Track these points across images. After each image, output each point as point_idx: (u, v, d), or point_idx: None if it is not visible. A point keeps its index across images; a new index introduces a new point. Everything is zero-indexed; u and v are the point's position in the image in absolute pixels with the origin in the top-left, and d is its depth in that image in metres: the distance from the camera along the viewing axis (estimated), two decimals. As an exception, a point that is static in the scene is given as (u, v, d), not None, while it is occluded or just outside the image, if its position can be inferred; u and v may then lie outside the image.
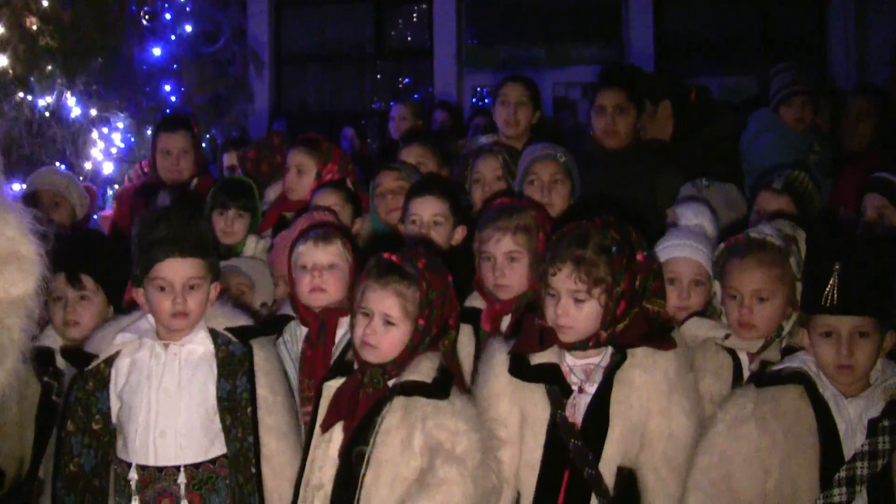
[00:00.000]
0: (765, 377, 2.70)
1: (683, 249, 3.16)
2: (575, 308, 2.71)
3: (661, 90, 4.77)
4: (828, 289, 2.53)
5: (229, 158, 5.64)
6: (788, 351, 2.78)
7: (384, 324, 2.75)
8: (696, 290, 3.15)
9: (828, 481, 2.48)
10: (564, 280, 2.70)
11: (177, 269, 2.89)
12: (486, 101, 8.17)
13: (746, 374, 2.89)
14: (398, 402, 2.71)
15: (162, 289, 2.89)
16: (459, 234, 3.75)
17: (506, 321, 3.18)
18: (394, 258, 2.79)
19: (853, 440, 2.52)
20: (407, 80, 10.37)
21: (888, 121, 4.94)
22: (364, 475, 2.67)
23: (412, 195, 3.82)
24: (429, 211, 3.71)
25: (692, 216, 3.35)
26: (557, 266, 2.72)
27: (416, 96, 9.36)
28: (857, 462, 2.47)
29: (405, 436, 2.67)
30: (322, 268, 3.24)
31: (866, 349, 2.54)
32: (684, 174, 4.23)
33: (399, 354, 2.77)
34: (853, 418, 2.55)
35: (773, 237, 2.90)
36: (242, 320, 3.08)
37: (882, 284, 2.53)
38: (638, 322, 2.75)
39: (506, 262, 3.14)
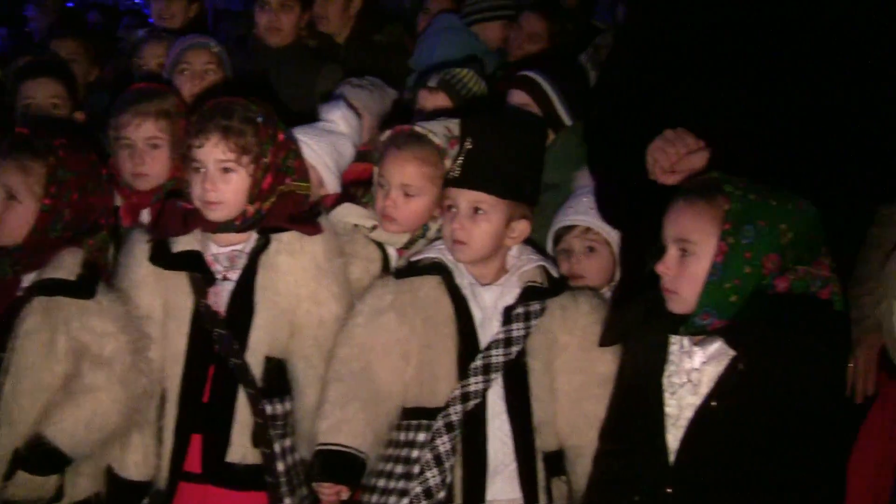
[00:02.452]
0: (403, 268, 2.68)
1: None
2: (223, 180, 2.60)
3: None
4: (456, 163, 2.54)
5: None
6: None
7: (7, 198, 2.54)
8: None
9: (465, 370, 2.47)
10: (211, 150, 2.59)
11: None
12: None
13: (394, 268, 2.87)
14: (38, 302, 2.51)
15: None
16: None
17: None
18: (24, 131, 2.59)
19: (489, 328, 2.52)
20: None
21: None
22: (2, 384, 2.47)
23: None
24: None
25: (326, 112, 3.34)
26: (204, 137, 2.59)
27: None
28: (493, 350, 2.47)
29: (47, 339, 2.49)
30: None
31: (482, 226, 2.52)
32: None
33: (26, 239, 2.55)
34: (489, 306, 2.54)
35: (437, 136, 2.88)
36: None
37: (513, 165, 2.54)
38: (285, 203, 2.67)
39: (146, 148, 2.95)
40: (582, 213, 2.91)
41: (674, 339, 2.20)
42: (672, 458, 2.14)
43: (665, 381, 2.19)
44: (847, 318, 2.07)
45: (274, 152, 2.66)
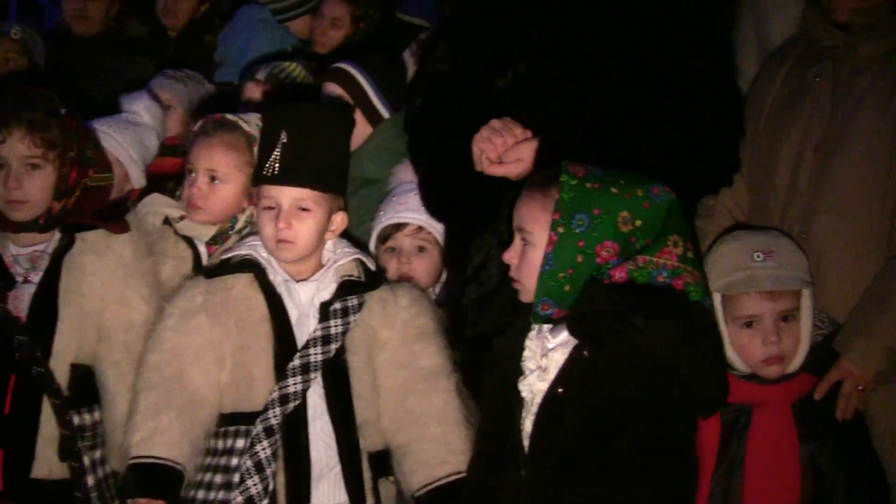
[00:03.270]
0: (214, 267, 2.57)
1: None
2: (28, 177, 2.47)
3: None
4: (271, 159, 2.42)
5: None
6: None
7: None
8: None
9: (283, 371, 2.37)
10: (16, 145, 2.45)
11: None
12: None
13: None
14: None
15: None
16: None
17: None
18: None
19: (306, 326, 2.43)
20: None
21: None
22: None
23: None
24: None
25: (129, 103, 3.26)
26: (6, 132, 2.45)
27: None
28: (311, 348, 2.39)
29: None
30: None
31: (308, 223, 2.43)
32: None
33: None
34: (305, 303, 2.46)
35: (249, 124, 2.79)
36: None
37: (330, 157, 2.47)
38: (89, 199, 2.55)
39: None
40: (413, 210, 2.86)
41: (534, 325, 2.18)
42: (526, 442, 2.13)
43: (522, 366, 2.18)
44: (701, 307, 2.07)
45: (78, 144, 2.55)
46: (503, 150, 2.41)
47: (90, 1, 4.14)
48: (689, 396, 2.07)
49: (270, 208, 2.43)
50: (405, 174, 2.99)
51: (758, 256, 2.27)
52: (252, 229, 2.69)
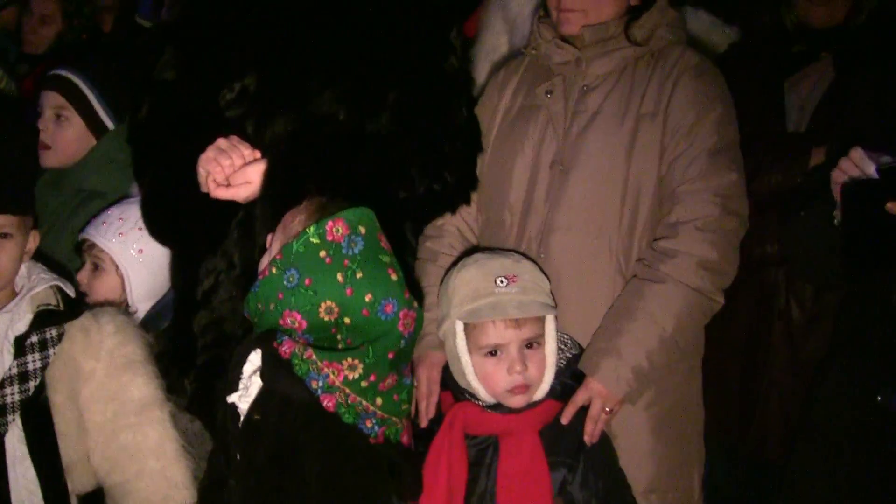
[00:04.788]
0: None
1: None
2: None
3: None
4: None
5: None
6: None
7: None
8: None
9: None
10: None
11: None
12: None
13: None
14: None
15: None
16: None
17: None
18: None
19: (0, 362, 2.21)
20: None
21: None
22: None
23: None
24: None
25: None
26: None
27: None
28: (6, 388, 2.17)
29: None
30: None
31: (9, 252, 2.24)
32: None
33: None
34: None
35: None
36: None
37: (22, 172, 2.29)
38: None
39: None
40: (94, 225, 2.66)
41: None
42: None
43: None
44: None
45: None
46: (230, 171, 2.24)
47: None
48: None
49: None
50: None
51: (501, 282, 2.17)
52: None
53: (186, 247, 2.48)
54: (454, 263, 2.34)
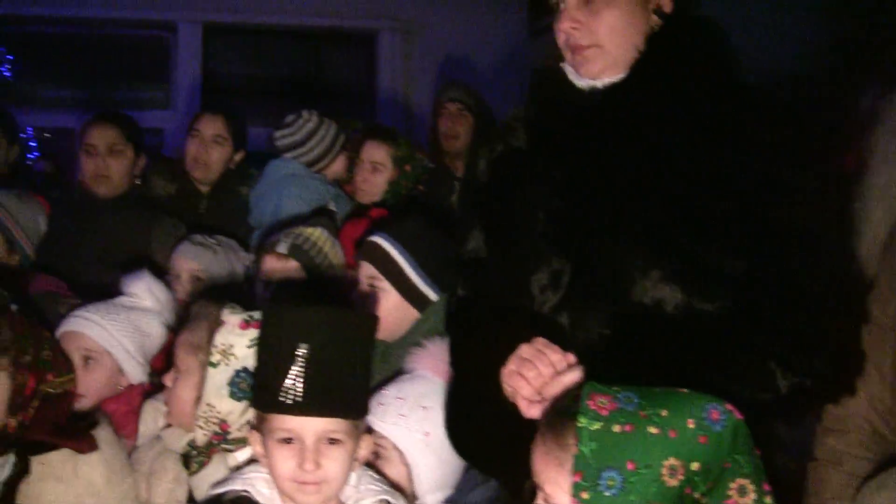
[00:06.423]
0: (206, 502, 2.11)
1: (76, 322, 2.56)
2: None
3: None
4: (289, 380, 1.93)
5: None
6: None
7: None
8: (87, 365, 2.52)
9: None
10: None
11: None
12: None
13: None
14: None
15: None
16: None
17: None
18: None
19: None
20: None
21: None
22: None
23: None
24: None
25: (128, 285, 2.76)
26: None
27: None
28: None
29: None
30: None
31: (339, 459, 1.99)
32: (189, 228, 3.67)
33: None
34: None
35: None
36: None
37: (359, 375, 2.03)
38: (49, 410, 2.16)
39: None
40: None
41: None
42: None
43: None
44: None
45: (33, 346, 2.17)
46: (539, 384, 1.83)
47: (111, 159, 3.74)
48: None
49: (287, 440, 1.96)
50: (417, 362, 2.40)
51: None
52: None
53: (495, 472, 2.10)
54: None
